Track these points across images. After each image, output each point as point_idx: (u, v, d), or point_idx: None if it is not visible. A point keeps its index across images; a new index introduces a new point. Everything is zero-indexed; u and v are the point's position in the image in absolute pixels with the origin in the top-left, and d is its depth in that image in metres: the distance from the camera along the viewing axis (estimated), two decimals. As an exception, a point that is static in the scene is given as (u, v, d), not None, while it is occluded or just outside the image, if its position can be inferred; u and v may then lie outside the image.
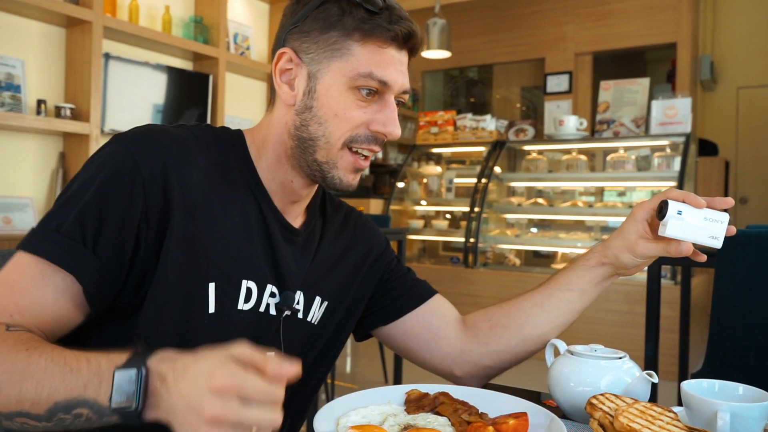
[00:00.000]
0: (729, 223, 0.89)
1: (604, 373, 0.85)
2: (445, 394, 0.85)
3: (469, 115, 4.92)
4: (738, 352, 1.40)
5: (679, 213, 0.85)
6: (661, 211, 0.87)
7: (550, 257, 4.64)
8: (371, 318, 1.04)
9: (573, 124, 4.37)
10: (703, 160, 4.96)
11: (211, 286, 0.82)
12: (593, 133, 4.48)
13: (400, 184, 5.12)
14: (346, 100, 0.84)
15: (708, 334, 1.52)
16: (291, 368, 0.58)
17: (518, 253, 4.70)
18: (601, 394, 0.77)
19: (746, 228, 2.68)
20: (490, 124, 4.81)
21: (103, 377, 0.63)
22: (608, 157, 4.33)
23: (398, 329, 1.03)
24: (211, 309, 0.82)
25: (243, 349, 0.59)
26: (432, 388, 0.88)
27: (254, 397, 0.56)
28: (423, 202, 5.06)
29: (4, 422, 0.66)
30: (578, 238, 4.27)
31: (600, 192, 4.60)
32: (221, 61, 4.37)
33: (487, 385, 1.02)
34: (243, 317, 0.86)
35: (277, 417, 0.57)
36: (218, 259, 0.83)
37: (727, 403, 0.73)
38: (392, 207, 4.96)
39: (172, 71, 4.06)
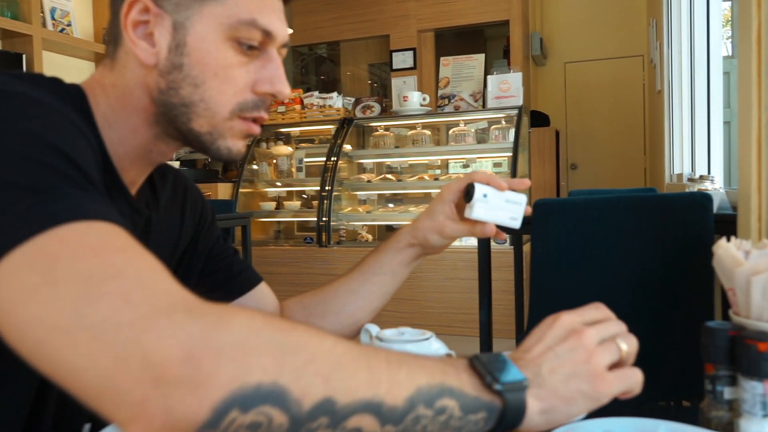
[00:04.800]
0: (526, 205, 0.92)
1: (412, 356, 0.84)
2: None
3: (316, 93, 4.86)
4: (555, 312, 1.49)
5: (485, 196, 0.88)
6: (468, 193, 0.88)
7: (401, 231, 4.75)
8: None
9: (416, 99, 4.46)
10: (536, 130, 5.30)
11: None
12: (436, 108, 4.61)
13: (253, 166, 4.95)
14: (224, 55, 0.70)
15: (530, 295, 1.60)
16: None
17: (371, 228, 4.76)
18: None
19: (571, 192, 2.89)
20: (337, 101, 4.78)
21: (458, 366, 0.54)
22: (450, 131, 4.49)
23: None
24: None
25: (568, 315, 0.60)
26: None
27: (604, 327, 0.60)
28: (278, 183, 4.93)
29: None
30: (427, 211, 4.39)
31: (445, 165, 4.76)
32: (36, 39, 3.91)
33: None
34: None
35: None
36: None
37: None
38: (242, 190, 4.78)
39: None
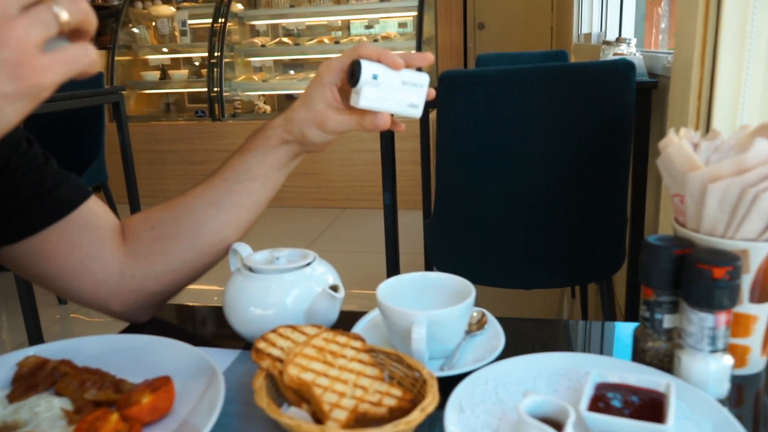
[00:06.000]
0: (429, 85, 0.73)
1: (289, 288, 0.66)
2: (66, 363, 0.60)
3: (195, -59, 4.23)
4: (463, 199, 1.36)
5: (375, 77, 0.67)
6: (353, 74, 0.67)
7: (302, 100, 4.44)
8: None
9: (312, -50, 3.98)
10: (443, -14, 4.95)
11: None
12: (334, -39, 4.15)
13: (134, 30, 4.36)
14: None
15: (435, 182, 1.46)
16: None
17: (269, 98, 4.41)
18: (273, 331, 0.58)
19: (479, 57, 2.70)
20: (220, -49, 4.18)
21: None
22: (351, -12, 4.08)
23: (31, 249, 0.70)
24: None
25: None
26: (57, 350, 0.63)
27: None
28: (164, 50, 4.39)
29: None
30: (329, 78, 4.09)
31: (347, 26, 4.39)
32: None
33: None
34: None
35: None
36: None
37: (423, 313, 0.60)
38: (119, 58, 4.24)
39: None
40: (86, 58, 0.41)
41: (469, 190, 1.33)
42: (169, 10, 4.38)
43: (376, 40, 3.95)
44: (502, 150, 1.27)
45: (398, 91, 0.70)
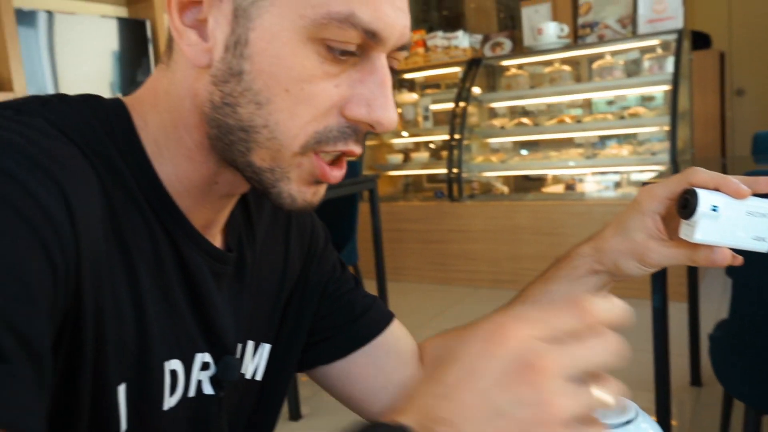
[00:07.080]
0: None
1: (611, 449, 0.57)
2: None
3: (440, 33, 4.50)
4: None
5: (714, 209, 0.58)
6: (687, 204, 0.59)
7: (540, 180, 4.36)
8: (310, 353, 0.72)
9: (553, 31, 3.97)
10: (695, 54, 4.58)
11: (121, 389, 0.49)
12: (576, 40, 4.09)
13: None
14: (303, 62, 0.47)
15: (732, 287, 1.25)
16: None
17: (506, 180, 4.41)
18: None
19: (756, 135, 2.38)
20: (463, 40, 4.39)
21: None
22: (594, 65, 3.96)
23: (340, 371, 0.71)
24: (123, 425, 0.49)
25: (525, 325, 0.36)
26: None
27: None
28: (404, 134, 4.70)
29: None
30: (569, 157, 3.97)
31: (588, 104, 4.25)
32: (158, 2, 3.92)
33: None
34: (171, 418, 0.54)
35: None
36: (127, 341, 0.49)
37: None
38: (368, 143, 4.62)
39: (104, 21, 3.63)
40: None
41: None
42: (413, 97, 4.69)
43: (622, 117, 3.75)
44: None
45: (741, 224, 0.60)
